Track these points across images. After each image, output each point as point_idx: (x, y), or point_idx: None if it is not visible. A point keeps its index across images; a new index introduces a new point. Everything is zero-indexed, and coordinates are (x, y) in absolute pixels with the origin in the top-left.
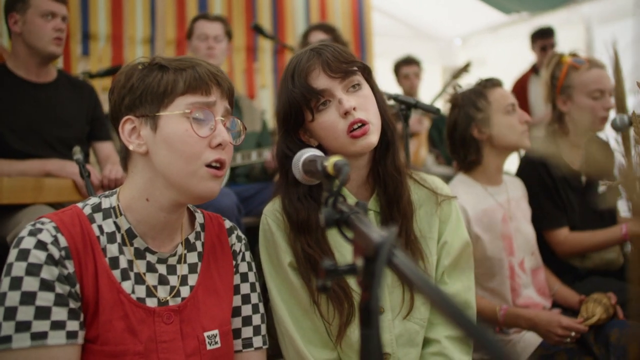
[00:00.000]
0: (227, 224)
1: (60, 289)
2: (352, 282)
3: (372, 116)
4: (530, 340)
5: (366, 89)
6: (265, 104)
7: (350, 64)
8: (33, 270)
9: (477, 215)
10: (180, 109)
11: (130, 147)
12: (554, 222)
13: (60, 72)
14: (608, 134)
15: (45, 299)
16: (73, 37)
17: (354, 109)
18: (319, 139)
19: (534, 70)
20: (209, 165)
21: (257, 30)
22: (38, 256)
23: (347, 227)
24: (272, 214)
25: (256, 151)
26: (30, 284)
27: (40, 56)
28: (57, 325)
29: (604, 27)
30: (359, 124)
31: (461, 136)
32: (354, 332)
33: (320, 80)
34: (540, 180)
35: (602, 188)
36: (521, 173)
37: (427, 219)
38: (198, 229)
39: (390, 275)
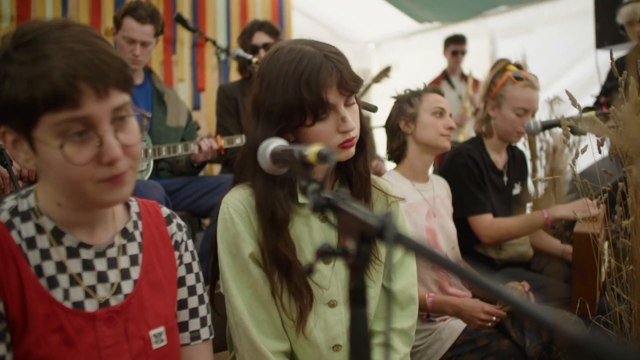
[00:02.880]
0: (164, 211)
1: None
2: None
3: (358, 130)
4: (454, 327)
5: (356, 103)
6: (183, 97)
7: (358, 84)
8: None
9: (404, 209)
10: (49, 132)
11: (18, 161)
12: (480, 207)
13: None
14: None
15: None
16: None
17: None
18: (303, 141)
19: (445, 76)
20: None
21: (179, 21)
22: None
23: (331, 213)
24: (234, 203)
25: (182, 145)
26: None
27: None
28: None
29: (506, 40)
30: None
31: (390, 125)
32: (309, 323)
33: (332, 95)
34: (467, 169)
35: (516, 190)
36: (449, 163)
37: None
38: (135, 218)
39: (343, 270)
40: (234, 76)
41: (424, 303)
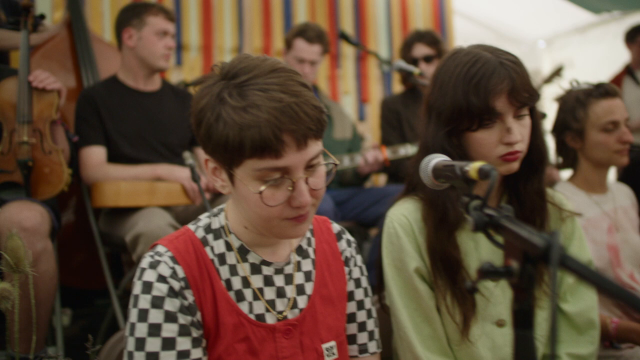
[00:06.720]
0: (335, 228)
1: (182, 319)
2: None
3: (524, 145)
4: None
5: (528, 117)
6: (348, 109)
7: (532, 98)
8: (157, 302)
9: (581, 225)
10: (250, 174)
11: (215, 185)
12: None
13: (164, 82)
14: None
15: (170, 330)
16: None
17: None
18: (466, 147)
19: (628, 71)
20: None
21: (343, 37)
22: (160, 289)
23: (495, 231)
24: (398, 217)
25: (348, 156)
26: (156, 316)
27: (150, 69)
28: (183, 355)
29: None
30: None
31: (557, 139)
32: (475, 343)
33: (500, 104)
34: None
35: None
36: (630, 172)
37: None
38: (308, 234)
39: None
40: (397, 87)
41: (606, 329)
